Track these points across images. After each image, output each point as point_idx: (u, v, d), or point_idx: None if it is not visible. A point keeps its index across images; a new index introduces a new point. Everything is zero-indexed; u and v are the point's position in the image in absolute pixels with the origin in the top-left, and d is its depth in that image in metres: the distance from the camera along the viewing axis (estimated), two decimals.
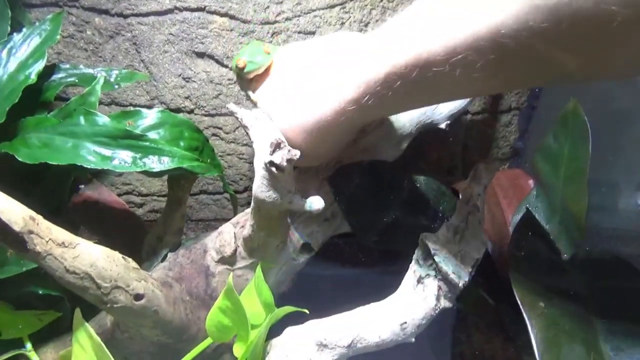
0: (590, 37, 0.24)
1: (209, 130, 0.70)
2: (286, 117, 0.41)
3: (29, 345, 0.47)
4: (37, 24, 0.51)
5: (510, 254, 0.46)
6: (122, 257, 0.41)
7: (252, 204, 0.43)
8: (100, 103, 0.66)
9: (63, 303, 0.50)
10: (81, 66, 0.57)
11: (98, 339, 0.38)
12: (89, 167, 0.42)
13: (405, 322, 0.40)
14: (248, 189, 0.75)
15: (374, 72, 0.34)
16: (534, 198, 0.57)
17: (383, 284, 0.46)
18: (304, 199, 0.42)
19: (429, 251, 0.42)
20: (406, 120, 0.55)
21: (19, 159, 0.42)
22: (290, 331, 0.43)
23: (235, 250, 0.49)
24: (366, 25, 0.66)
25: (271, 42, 0.64)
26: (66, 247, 0.37)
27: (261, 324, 0.43)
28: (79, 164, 0.42)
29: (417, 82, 0.32)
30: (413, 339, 0.41)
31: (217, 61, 0.65)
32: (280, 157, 0.37)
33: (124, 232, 0.65)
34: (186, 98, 0.67)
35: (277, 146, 0.38)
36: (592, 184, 0.49)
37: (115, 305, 0.39)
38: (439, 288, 0.41)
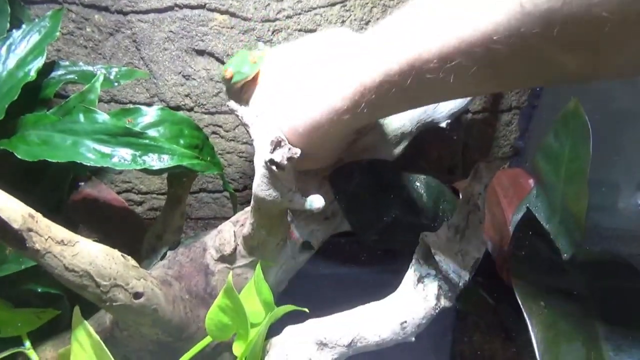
0: (582, 42, 0.24)
1: (208, 128, 0.69)
2: (279, 121, 0.40)
3: (27, 343, 0.47)
4: (36, 20, 0.51)
5: (510, 254, 0.46)
6: (122, 255, 0.40)
7: (252, 202, 0.43)
8: (100, 100, 0.66)
9: (62, 301, 0.49)
10: (81, 63, 0.56)
11: (97, 337, 0.38)
12: (88, 164, 0.42)
13: (406, 322, 0.40)
14: (248, 187, 0.75)
15: (369, 80, 0.34)
16: (534, 197, 0.57)
17: (383, 283, 0.46)
18: (304, 197, 0.42)
19: (429, 250, 0.42)
20: (406, 119, 0.55)
21: (18, 157, 0.42)
22: (290, 330, 0.43)
23: (235, 249, 0.48)
24: (367, 24, 0.66)
25: (271, 40, 0.64)
26: (65, 245, 0.36)
27: (261, 322, 0.43)
28: (79, 162, 0.42)
29: (411, 88, 0.32)
30: (413, 339, 0.41)
31: (217, 59, 0.65)
32: (280, 156, 0.37)
33: (124, 230, 0.65)
34: (186, 96, 0.67)
35: (277, 144, 0.37)
36: (593, 184, 0.49)
37: (114, 304, 0.39)
38: (439, 287, 0.41)
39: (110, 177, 0.71)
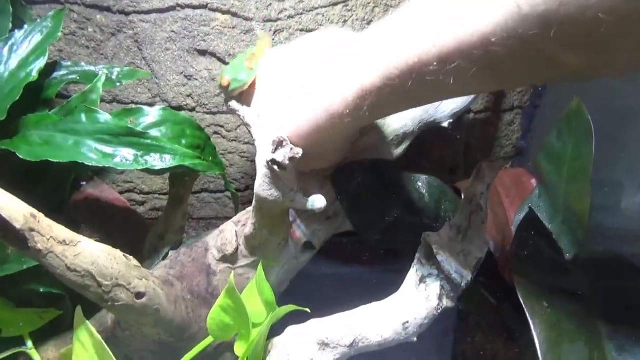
0: (579, 43, 0.25)
1: (210, 129, 0.69)
2: (281, 122, 0.40)
3: (29, 343, 0.47)
4: (38, 21, 0.51)
5: (512, 254, 0.46)
6: (124, 255, 0.40)
7: (253, 202, 0.43)
8: (102, 101, 0.66)
9: (64, 301, 0.49)
10: (83, 63, 0.56)
11: (99, 337, 0.38)
12: (90, 164, 0.42)
13: (408, 322, 0.40)
14: (250, 187, 0.75)
15: (369, 83, 0.34)
16: (536, 197, 0.57)
17: (385, 282, 0.46)
18: (306, 197, 0.42)
19: (431, 250, 0.41)
20: (408, 118, 0.55)
21: (20, 157, 0.42)
22: (291, 330, 0.43)
23: (237, 249, 0.48)
24: (369, 23, 0.66)
25: (273, 39, 0.64)
26: (67, 245, 0.36)
27: (262, 322, 0.43)
28: (80, 162, 0.42)
29: (412, 89, 0.32)
30: (415, 339, 0.41)
31: (219, 59, 0.65)
32: (282, 155, 0.37)
33: (126, 230, 0.65)
34: (188, 96, 0.67)
35: (279, 144, 0.37)
36: (595, 183, 0.49)
37: (116, 304, 0.39)
38: (442, 287, 0.41)
39: (112, 177, 0.71)
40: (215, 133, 0.70)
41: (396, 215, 0.52)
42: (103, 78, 0.50)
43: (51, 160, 0.41)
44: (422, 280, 0.42)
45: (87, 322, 0.40)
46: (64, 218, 0.39)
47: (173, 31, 0.62)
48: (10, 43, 0.49)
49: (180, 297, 0.46)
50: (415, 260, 0.43)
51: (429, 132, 0.59)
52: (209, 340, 0.43)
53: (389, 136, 0.54)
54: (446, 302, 0.41)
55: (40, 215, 0.36)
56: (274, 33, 0.63)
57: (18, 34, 0.49)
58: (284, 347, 0.41)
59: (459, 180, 0.67)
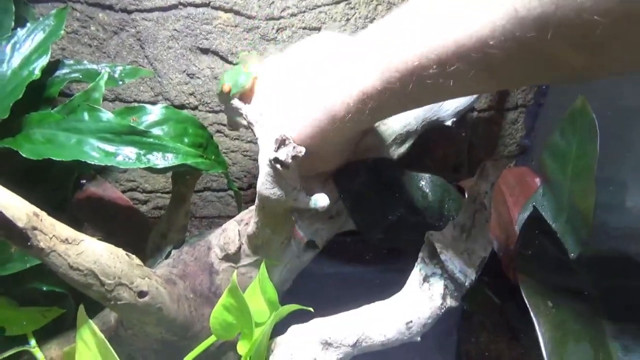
0: (576, 44, 0.25)
1: (213, 127, 0.69)
2: (283, 124, 0.40)
3: (33, 342, 0.47)
4: (41, 19, 0.51)
5: (516, 253, 0.45)
6: (126, 254, 0.40)
7: (256, 201, 0.43)
8: (105, 99, 0.66)
9: (67, 299, 0.49)
10: (85, 62, 0.56)
11: (102, 336, 0.38)
12: (92, 163, 0.42)
13: (411, 321, 0.40)
14: (252, 186, 0.75)
15: (370, 88, 0.34)
16: (540, 196, 0.57)
17: (388, 282, 0.46)
18: (309, 196, 0.42)
19: (434, 249, 0.41)
20: (412, 117, 0.55)
21: (23, 155, 0.42)
22: (294, 329, 0.42)
23: (240, 248, 0.48)
24: (371, 21, 0.65)
25: (275, 38, 0.64)
26: (70, 243, 0.36)
27: (265, 321, 0.43)
28: (83, 160, 0.42)
29: (412, 92, 0.33)
30: (419, 338, 0.41)
31: (222, 57, 0.64)
32: (285, 154, 0.37)
33: (128, 229, 0.65)
34: (190, 94, 0.67)
35: (282, 143, 0.37)
36: (600, 182, 0.49)
37: (118, 302, 0.39)
38: (445, 287, 0.41)
39: (115, 175, 0.71)
40: (218, 132, 0.70)
41: (399, 214, 0.52)
42: (105, 76, 0.50)
43: (53, 158, 0.41)
44: (425, 279, 0.41)
45: (90, 320, 0.40)
46: (66, 216, 0.39)
47: (175, 29, 0.62)
48: (12, 41, 0.49)
49: (183, 296, 0.46)
50: (419, 260, 0.43)
51: (432, 130, 0.59)
52: (211, 339, 0.43)
53: (391, 136, 0.53)
54: (450, 302, 0.41)
55: (43, 214, 0.36)
56: (277, 31, 0.63)
57: (21, 32, 0.49)
58: (286, 346, 0.41)
59: (463, 179, 0.67)
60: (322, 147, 0.40)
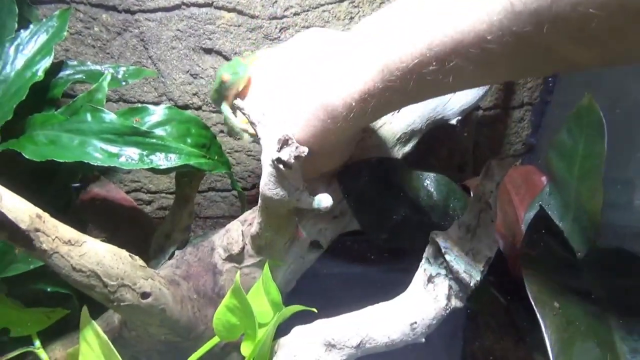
0: (572, 38, 0.26)
1: (216, 127, 0.69)
2: (284, 121, 0.40)
3: (37, 343, 0.47)
4: (44, 20, 0.51)
5: (522, 253, 0.45)
6: (129, 255, 0.40)
7: (259, 201, 0.43)
8: (109, 100, 0.66)
9: (71, 300, 0.50)
10: (89, 63, 0.56)
11: (105, 337, 0.38)
12: (95, 164, 0.42)
13: (416, 322, 0.39)
14: (256, 185, 0.75)
15: (370, 85, 0.34)
16: (547, 195, 0.56)
17: (393, 282, 0.45)
18: (312, 196, 0.42)
19: (439, 249, 0.41)
20: (416, 116, 0.54)
21: (26, 157, 0.42)
22: (298, 330, 0.42)
23: (243, 248, 0.48)
24: None
25: (279, 37, 0.63)
26: (73, 245, 0.36)
27: (269, 322, 0.43)
28: (86, 162, 0.42)
29: (413, 89, 0.33)
30: (423, 340, 0.40)
31: (225, 57, 0.64)
32: (287, 154, 0.36)
33: (133, 229, 0.65)
34: (194, 95, 0.67)
35: (284, 143, 0.37)
36: (608, 181, 0.48)
37: (122, 304, 0.39)
38: (450, 287, 0.40)
39: (120, 176, 0.71)
40: (222, 131, 0.70)
41: (404, 214, 0.51)
42: (108, 77, 0.50)
43: (56, 160, 0.41)
44: (430, 280, 0.41)
45: (94, 322, 0.40)
46: (71, 218, 0.39)
47: (179, 30, 0.62)
48: (16, 43, 0.49)
49: (187, 297, 0.46)
50: (423, 260, 0.43)
51: (437, 129, 0.58)
52: (215, 340, 0.43)
53: (395, 135, 0.53)
54: (455, 302, 0.40)
55: (46, 216, 0.36)
56: (280, 30, 0.63)
57: (24, 34, 0.49)
58: (290, 347, 0.41)
59: (468, 178, 0.66)
60: (324, 146, 0.40)
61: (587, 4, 0.23)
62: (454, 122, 0.58)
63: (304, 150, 0.37)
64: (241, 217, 0.51)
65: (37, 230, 0.35)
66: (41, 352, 0.47)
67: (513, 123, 0.77)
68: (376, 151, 0.52)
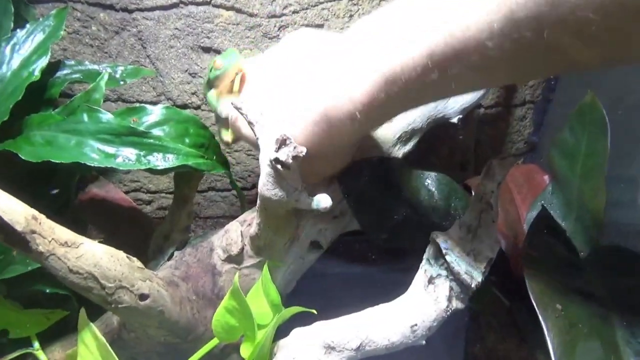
0: (572, 40, 0.26)
1: (215, 127, 0.69)
2: (285, 125, 0.39)
3: (36, 344, 0.47)
4: (40, 19, 0.51)
5: (524, 253, 0.44)
6: (127, 257, 0.40)
7: (258, 202, 0.42)
8: (107, 99, 0.66)
9: (71, 302, 0.49)
10: (86, 62, 0.56)
11: (103, 339, 0.38)
12: (92, 165, 0.41)
13: (416, 325, 0.39)
14: (256, 185, 0.74)
15: (371, 97, 0.34)
16: (549, 194, 0.56)
17: (394, 282, 0.45)
18: (311, 197, 0.41)
19: (440, 250, 0.40)
20: (417, 114, 0.54)
21: (22, 157, 0.42)
22: (297, 332, 0.42)
23: (242, 249, 0.48)
24: None
25: (278, 36, 0.63)
26: (69, 246, 0.36)
27: (268, 324, 0.42)
28: (83, 162, 0.41)
29: (415, 96, 0.34)
30: (424, 342, 0.40)
31: None
32: (285, 154, 0.36)
33: (132, 230, 0.65)
34: (193, 94, 0.66)
35: (282, 143, 0.36)
36: (611, 179, 0.48)
37: (119, 306, 0.39)
38: (451, 289, 0.40)
39: (119, 176, 0.71)
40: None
41: (404, 213, 0.51)
42: (106, 77, 0.49)
43: (53, 160, 0.41)
44: (430, 281, 0.41)
45: (91, 324, 0.39)
46: (69, 218, 0.39)
47: (177, 28, 0.62)
48: (12, 42, 0.48)
49: (185, 298, 0.46)
50: (424, 261, 0.42)
51: (438, 128, 0.58)
52: (214, 341, 0.43)
53: (396, 134, 0.52)
54: (456, 304, 0.40)
55: (42, 217, 0.35)
56: (279, 29, 0.63)
57: (20, 33, 0.49)
58: (289, 349, 0.41)
59: (469, 177, 0.66)
60: (325, 152, 0.40)
61: (587, 7, 0.23)
62: (455, 120, 0.58)
63: (302, 150, 0.37)
64: (240, 218, 0.51)
65: (33, 232, 0.34)
66: (40, 354, 0.47)
67: (515, 121, 0.76)
68: (376, 150, 0.52)
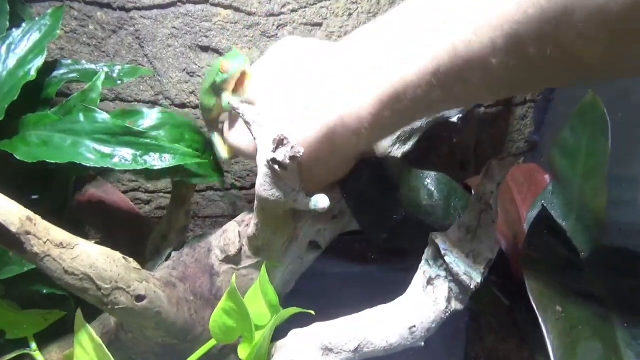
0: (571, 63, 0.27)
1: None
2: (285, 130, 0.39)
3: (33, 345, 0.47)
4: (36, 19, 0.50)
5: (524, 254, 0.44)
6: (123, 258, 0.40)
7: (255, 202, 0.42)
8: (105, 99, 0.65)
9: (68, 302, 0.49)
10: (83, 62, 0.56)
11: (99, 340, 0.38)
12: (88, 165, 0.41)
13: (415, 326, 0.38)
14: (255, 185, 0.74)
15: (379, 112, 0.34)
16: (550, 194, 0.55)
17: (394, 282, 0.45)
18: (309, 197, 0.41)
19: (439, 251, 0.40)
20: None
21: (17, 158, 0.41)
22: (295, 334, 0.41)
23: (240, 250, 0.47)
24: (374, 16, 0.64)
25: (276, 34, 0.62)
26: (64, 247, 0.36)
27: (266, 325, 0.42)
28: (79, 162, 0.41)
29: (418, 112, 0.35)
30: (423, 344, 0.39)
31: (222, 55, 0.63)
32: (283, 155, 0.36)
33: (130, 230, 0.64)
34: (191, 93, 0.66)
35: (279, 143, 0.36)
36: (612, 179, 0.47)
37: (116, 307, 0.38)
38: (450, 290, 0.39)
39: (117, 176, 0.71)
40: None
41: (404, 213, 0.51)
42: (102, 77, 0.49)
43: (48, 161, 0.41)
44: (429, 282, 0.40)
45: (88, 325, 0.39)
46: (67, 219, 0.39)
47: (174, 27, 0.61)
48: (8, 42, 0.48)
49: (183, 299, 0.45)
50: (423, 262, 0.42)
51: (437, 127, 0.57)
52: (212, 342, 0.43)
53: (394, 134, 0.52)
54: (455, 305, 0.40)
55: (37, 218, 0.35)
56: (277, 28, 0.62)
57: (16, 33, 0.49)
58: (287, 351, 0.40)
59: (470, 177, 0.66)
60: (329, 160, 0.40)
61: (590, 29, 0.23)
62: (455, 119, 0.57)
63: (300, 150, 0.36)
64: (238, 218, 0.51)
65: (28, 233, 0.34)
66: (38, 355, 0.47)
67: (515, 120, 0.75)
68: (376, 150, 0.51)
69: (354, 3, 0.63)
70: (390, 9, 0.63)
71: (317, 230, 0.50)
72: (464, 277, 0.39)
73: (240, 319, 0.41)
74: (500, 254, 0.43)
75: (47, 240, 0.35)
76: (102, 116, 0.43)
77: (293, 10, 0.61)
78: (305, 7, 0.61)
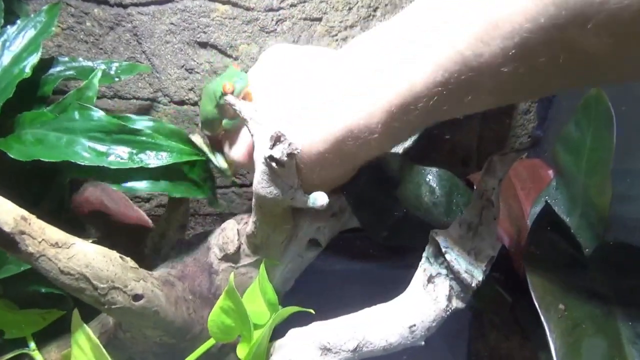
0: (579, 73, 0.27)
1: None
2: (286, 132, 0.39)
3: (32, 344, 0.46)
4: (32, 16, 0.50)
5: (526, 251, 0.43)
6: (120, 257, 0.39)
7: (253, 200, 0.42)
8: (103, 96, 0.65)
9: (67, 301, 0.49)
10: (80, 59, 0.55)
11: (96, 340, 0.37)
12: (83, 164, 0.41)
13: (415, 325, 0.38)
14: None
15: (386, 123, 0.34)
16: (553, 190, 0.55)
17: (395, 279, 0.44)
18: (307, 194, 0.40)
19: (439, 248, 0.39)
20: None
21: (11, 156, 0.41)
22: (293, 333, 0.41)
23: (239, 248, 0.47)
24: (375, 10, 0.63)
25: (275, 30, 0.62)
26: (60, 247, 0.35)
27: (265, 324, 0.42)
28: (74, 161, 0.40)
29: (426, 120, 0.34)
30: (423, 343, 0.39)
31: (221, 51, 0.63)
32: (280, 152, 0.35)
33: (129, 229, 0.64)
34: (190, 90, 0.65)
35: (277, 140, 0.35)
36: (617, 174, 0.47)
37: (113, 307, 0.38)
38: (451, 288, 0.39)
39: None
40: None
41: (405, 210, 0.50)
42: (99, 74, 0.49)
43: (43, 159, 0.40)
44: (430, 280, 0.40)
45: (85, 325, 0.39)
46: (64, 218, 0.38)
47: (172, 23, 0.61)
48: (2, 39, 0.48)
49: (181, 298, 0.45)
50: (423, 259, 0.41)
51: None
52: (211, 341, 0.43)
53: None
54: (456, 303, 0.39)
55: (32, 218, 0.35)
56: (276, 23, 0.61)
57: (11, 30, 0.48)
58: (285, 350, 0.40)
59: (472, 173, 0.65)
60: (336, 168, 0.40)
61: (593, 35, 0.23)
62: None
63: (297, 147, 0.36)
64: (237, 216, 0.50)
65: (23, 232, 0.34)
66: (36, 354, 0.46)
67: (519, 115, 0.75)
68: None
69: None
70: (391, 2, 0.63)
71: (316, 227, 0.49)
72: (465, 275, 0.38)
73: (239, 318, 0.40)
74: (503, 250, 0.42)
75: (42, 239, 0.35)
76: (98, 114, 0.43)
77: (292, 5, 0.61)
78: (305, 1, 0.61)
